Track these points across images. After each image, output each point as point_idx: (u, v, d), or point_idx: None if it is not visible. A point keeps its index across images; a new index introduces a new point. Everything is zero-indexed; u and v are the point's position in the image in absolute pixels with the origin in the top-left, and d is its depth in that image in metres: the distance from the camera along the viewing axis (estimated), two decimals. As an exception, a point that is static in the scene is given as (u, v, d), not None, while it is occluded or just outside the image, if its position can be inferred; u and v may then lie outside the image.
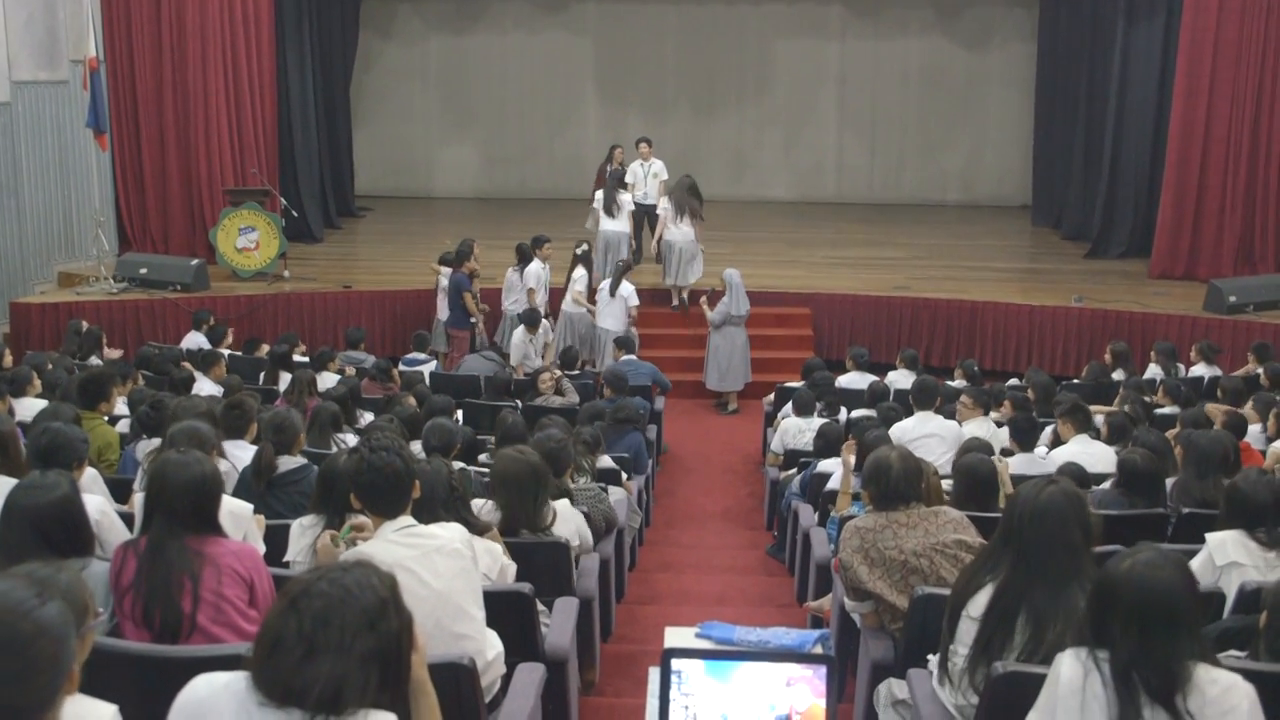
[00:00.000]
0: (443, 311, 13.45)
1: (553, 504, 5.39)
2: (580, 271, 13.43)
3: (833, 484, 6.90)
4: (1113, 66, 16.49)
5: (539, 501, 5.27)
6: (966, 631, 3.75)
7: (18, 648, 2.20)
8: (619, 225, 14.16)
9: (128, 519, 4.98)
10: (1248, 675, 3.13)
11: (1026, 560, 3.66)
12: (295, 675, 2.34)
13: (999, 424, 8.55)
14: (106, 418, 7.46)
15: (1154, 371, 11.20)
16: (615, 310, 13.14)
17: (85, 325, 11.63)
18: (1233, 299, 13.36)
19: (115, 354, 11.52)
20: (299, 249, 16.02)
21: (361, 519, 4.33)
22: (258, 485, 5.76)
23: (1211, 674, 3.04)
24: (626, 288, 13.14)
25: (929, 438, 7.91)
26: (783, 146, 21.34)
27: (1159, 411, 9.43)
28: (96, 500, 4.78)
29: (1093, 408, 8.78)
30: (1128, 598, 3.06)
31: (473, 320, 13.08)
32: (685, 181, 14.11)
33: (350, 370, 10.64)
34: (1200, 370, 11.14)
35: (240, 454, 6.15)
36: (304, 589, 2.42)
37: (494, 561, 4.57)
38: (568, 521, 5.47)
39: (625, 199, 14.28)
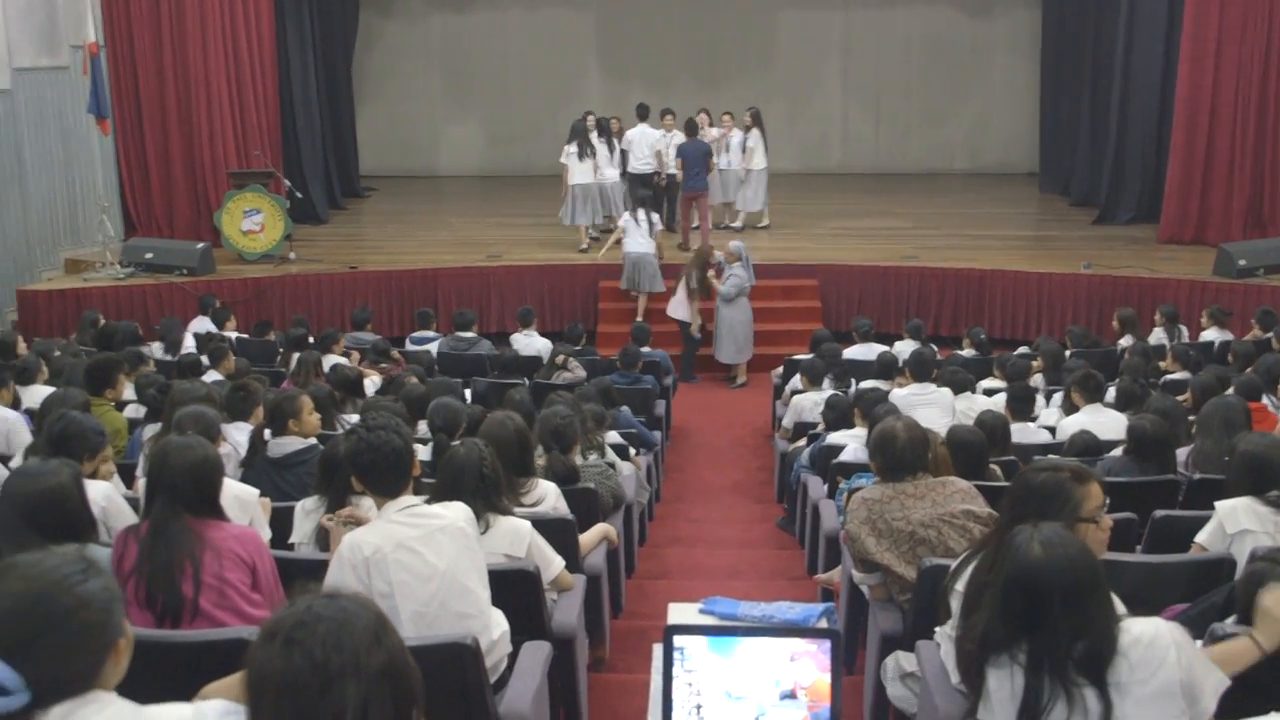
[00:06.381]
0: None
1: (543, 484, 5.27)
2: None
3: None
4: (1119, 30, 16.31)
5: (522, 467, 5.19)
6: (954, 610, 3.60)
7: (58, 620, 2.21)
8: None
9: (135, 504, 4.96)
10: None
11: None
12: (318, 710, 2.13)
13: (989, 392, 8.61)
14: (114, 403, 7.45)
15: (1158, 335, 11.15)
16: None
17: (100, 317, 11.53)
18: (1242, 263, 13.25)
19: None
20: (304, 230, 15.99)
21: (354, 509, 4.32)
22: (250, 464, 5.81)
23: (1131, 633, 2.90)
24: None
25: (925, 406, 7.91)
26: (787, 118, 21.16)
27: (1169, 378, 9.37)
28: (102, 487, 4.76)
29: None
30: (1061, 581, 2.89)
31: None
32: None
33: (355, 354, 10.58)
34: (1212, 335, 11.07)
35: (241, 437, 6.14)
36: (297, 622, 2.19)
37: (518, 540, 4.49)
38: (550, 502, 5.25)
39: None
